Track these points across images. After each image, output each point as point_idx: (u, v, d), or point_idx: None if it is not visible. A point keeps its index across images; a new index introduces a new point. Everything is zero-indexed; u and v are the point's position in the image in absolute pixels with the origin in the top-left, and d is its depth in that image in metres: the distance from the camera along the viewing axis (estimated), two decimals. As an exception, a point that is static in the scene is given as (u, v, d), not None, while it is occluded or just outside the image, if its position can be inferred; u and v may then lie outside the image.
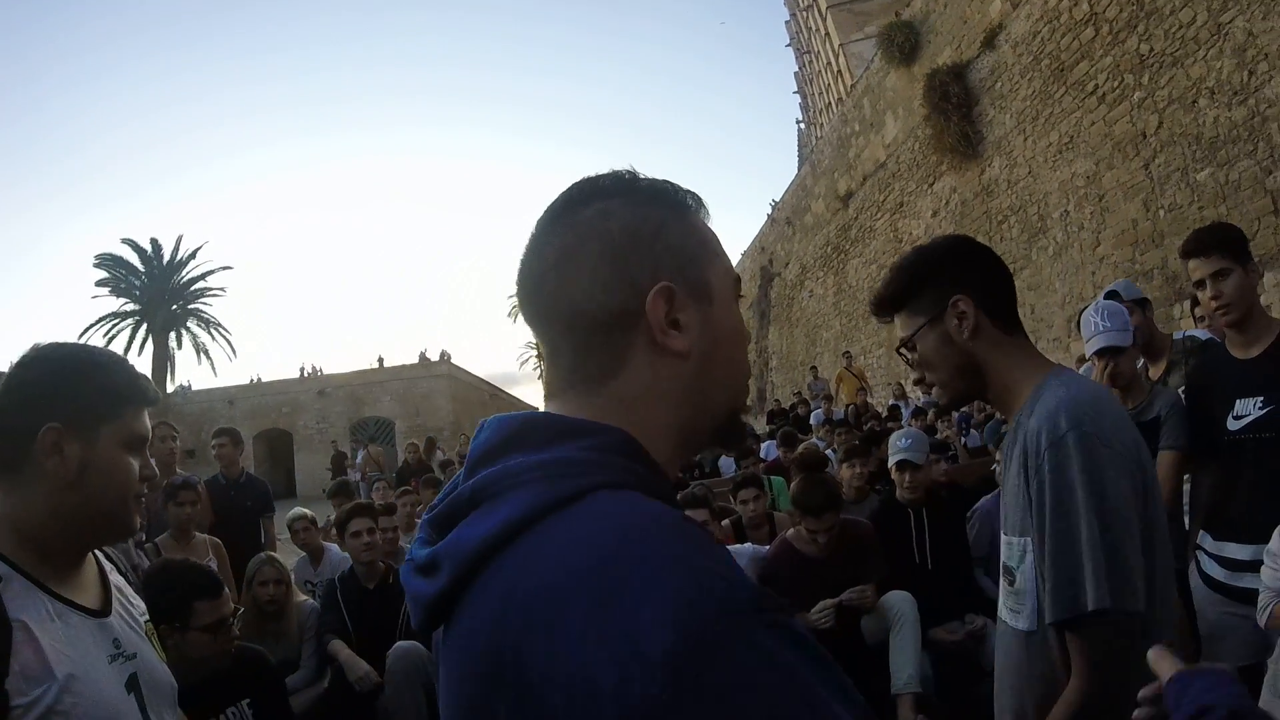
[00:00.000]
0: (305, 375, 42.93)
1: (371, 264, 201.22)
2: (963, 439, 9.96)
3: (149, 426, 1.59)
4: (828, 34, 41.67)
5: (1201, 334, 4.29)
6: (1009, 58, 16.02)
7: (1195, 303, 4.14)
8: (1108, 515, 1.44)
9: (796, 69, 58.89)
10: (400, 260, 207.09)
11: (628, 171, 0.93)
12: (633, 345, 0.86)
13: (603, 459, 0.78)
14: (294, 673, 4.64)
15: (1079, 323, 3.72)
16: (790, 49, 58.23)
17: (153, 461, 1.61)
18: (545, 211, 0.92)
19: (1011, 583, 1.63)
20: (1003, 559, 1.66)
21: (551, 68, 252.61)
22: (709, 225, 0.97)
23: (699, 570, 0.65)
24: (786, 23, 57.81)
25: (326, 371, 43.10)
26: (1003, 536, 1.66)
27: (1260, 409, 2.84)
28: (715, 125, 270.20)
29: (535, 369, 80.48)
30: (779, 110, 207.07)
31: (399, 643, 4.45)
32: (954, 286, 1.69)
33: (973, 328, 1.67)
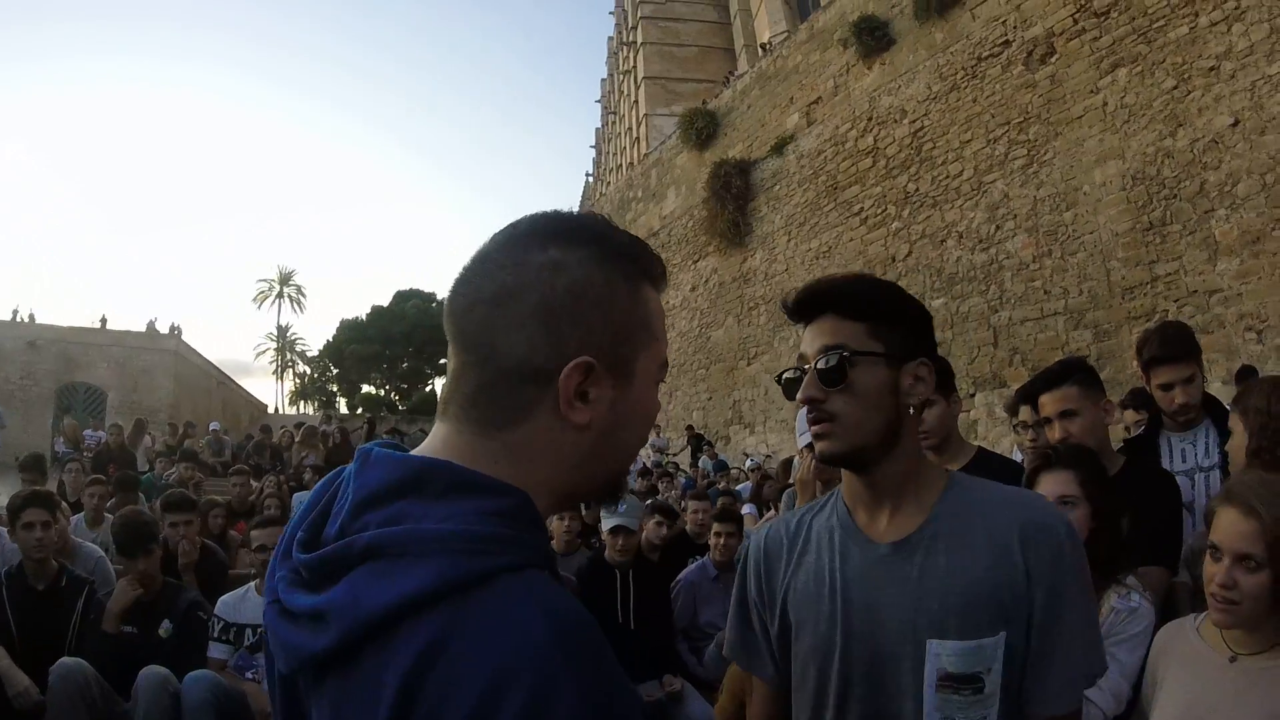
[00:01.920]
0: (16, 320, 37.46)
1: (109, 207, 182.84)
2: (682, 503, 10.06)
3: None
4: (636, 101, 42.86)
5: None
6: (792, 166, 17.17)
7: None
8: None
9: (599, 125, 60.23)
10: (141, 208, 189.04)
11: (600, 220, 0.92)
12: (539, 404, 0.85)
13: (507, 533, 0.77)
14: None
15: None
16: (599, 105, 59.55)
17: None
18: (502, 233, 0.90)
19: (979, 690, 1.34)
20: (949, 669, 1.34)
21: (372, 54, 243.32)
22: (658, 300, 0.95)
23: (602, 686, 0.70)
24: (603, 80, 59.15)
25: (40, 320, 37.83)
26: (946, 644, 1.33)
27: None
28: (511, 154, 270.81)
29: (271, 363, 75.51)
30: (573, 158, 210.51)
31: (63, 659, 3.80)
32: (924, 348, 1.45)
33: (920, 400, 1.43)
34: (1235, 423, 2.66)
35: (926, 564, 1.37)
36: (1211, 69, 9.68)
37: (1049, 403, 2.92)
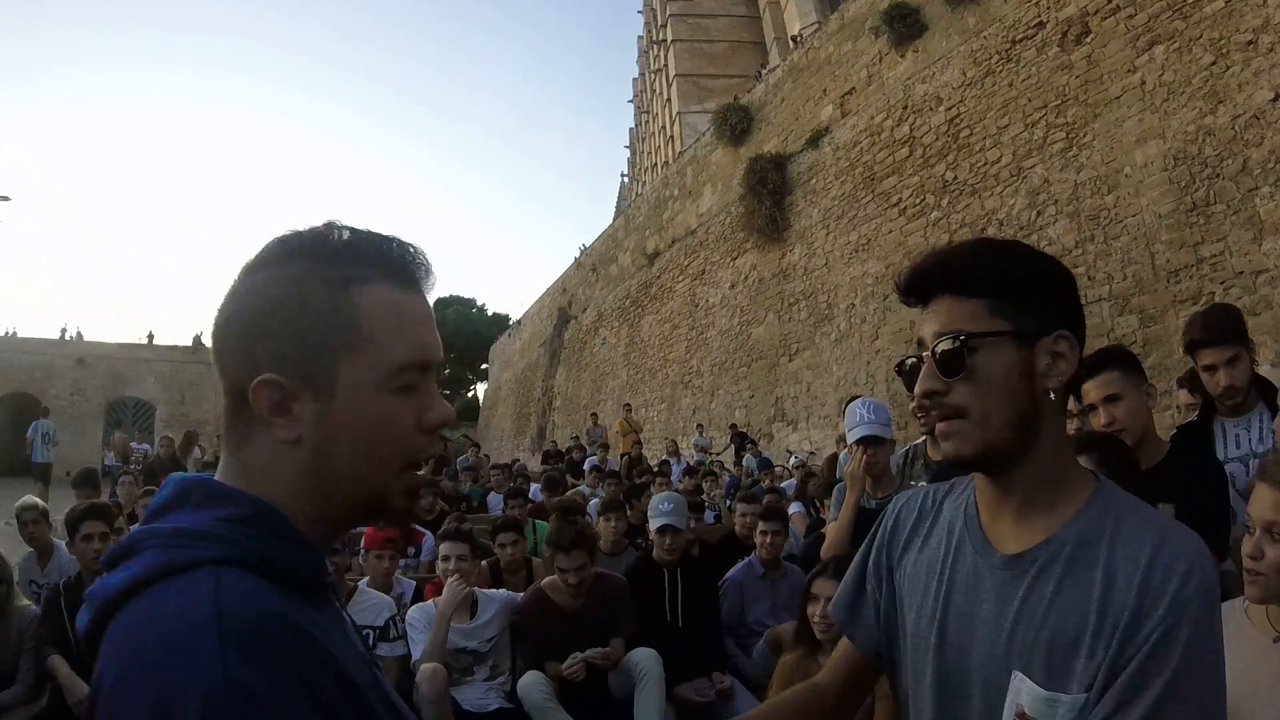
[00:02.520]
0: (65, 338, 38.50)
1: (154, 224, 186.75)
2: (728, 503, 10.10)
3: None
4: (669, 100, 42.91)
5: None
6: (828, 159, 17.07)
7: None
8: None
9: (633, 125, 60.32)
10: (186, 224, 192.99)
11: (320, 231, 0.92)
12: (255, 424, 0.89)
13: (227, 531, 0.83)
14: (8, 686, 4.09)
15: (844, 409, 3.86)
16: (632, 105, 59.63)
17: None
18: (245, 262, 0.93)
19: None
20: (1026, 710, 1.16)
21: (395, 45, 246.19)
22: (391, 299, 0.93)
23: (258, 683, 0.73)
24: (634, 80, 59.23)
25: (88, 338, 38.85)
26: (1028, 682, 1.15)
27: None
28: (547, 157, 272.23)
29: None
30: (608, 159, 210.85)
31: None
32: (1064, 318, 1.23)
33: (1062, 381, 1.22)
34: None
35: (1034, 587, 1.18)
36: (1249, 43, 9.47)
37: (1092, 389, 2.92)
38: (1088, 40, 11.57)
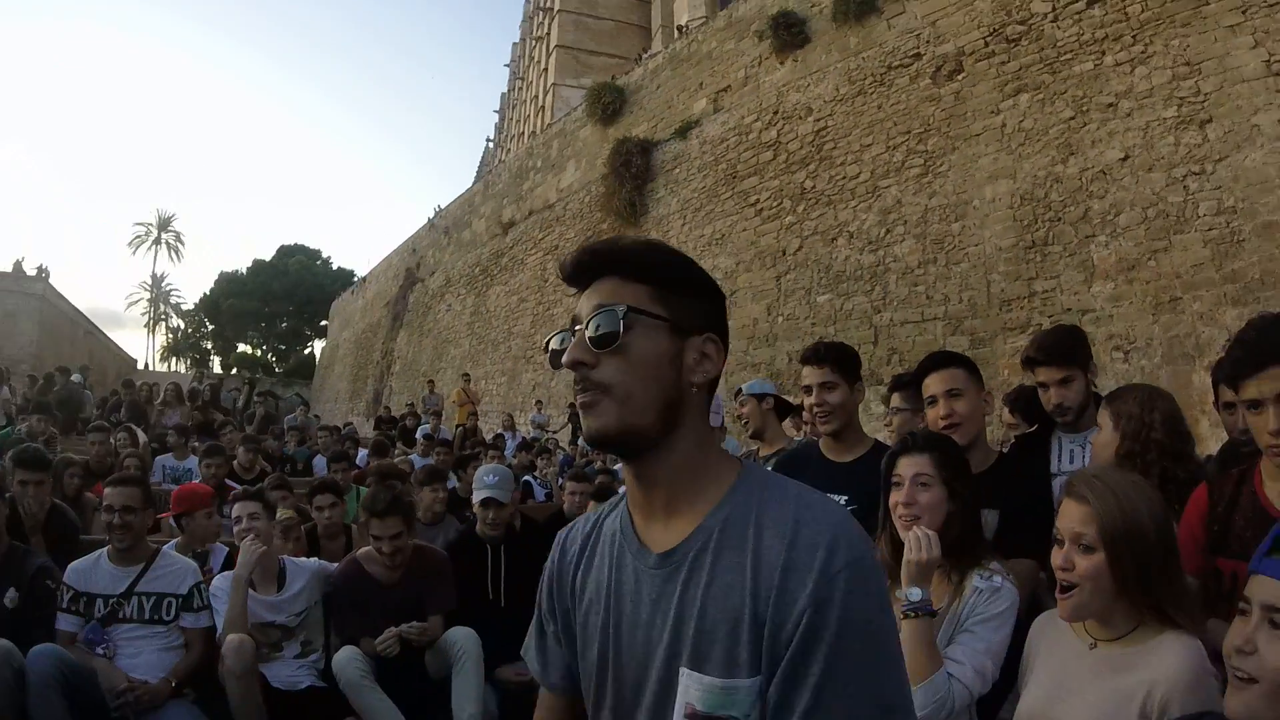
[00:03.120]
0: None
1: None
2: (560, 481, 10.00)
3: None
4: (546, 69, 42.38)
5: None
6: (694, 151, 17.22)
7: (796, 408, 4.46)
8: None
9: (506, 90, 59.25)
10: (7, 123, 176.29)
11: None
12: None
13: None
14: None
15: None
16: (508, 69, 58.54)
17: None
18: None
19: None
20: (696, 705, 1.13)
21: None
22: None
23: None
24: (514, 44, 58.16)
25: None
26: (694, 676, 1.13)
27: (846, 505, 2.92)
28: (412, 113, 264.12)
29: (144, 315, 71.55)
30: (476, 121, 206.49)
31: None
32: (714, 326, 1.26)
33: (707, 379, 1.24)
34: (1105, 420, 2.82)
35: (690, 581, 1.17)
36: (1110, 105, 10.12)
37: (935, 382, 3.04)
38: (959, 78, 12.09)
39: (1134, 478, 2.19)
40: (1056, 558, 2.05)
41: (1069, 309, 9.99)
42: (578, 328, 1.22)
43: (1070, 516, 2.05)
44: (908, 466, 2.46)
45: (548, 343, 1.28)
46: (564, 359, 1.21)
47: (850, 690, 1.05)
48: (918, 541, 2.28)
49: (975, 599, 2.30)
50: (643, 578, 1.23)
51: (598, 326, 1.19)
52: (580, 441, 14.37)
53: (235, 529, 4.21)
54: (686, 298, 1.24)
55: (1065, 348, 3.25)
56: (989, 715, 2.38)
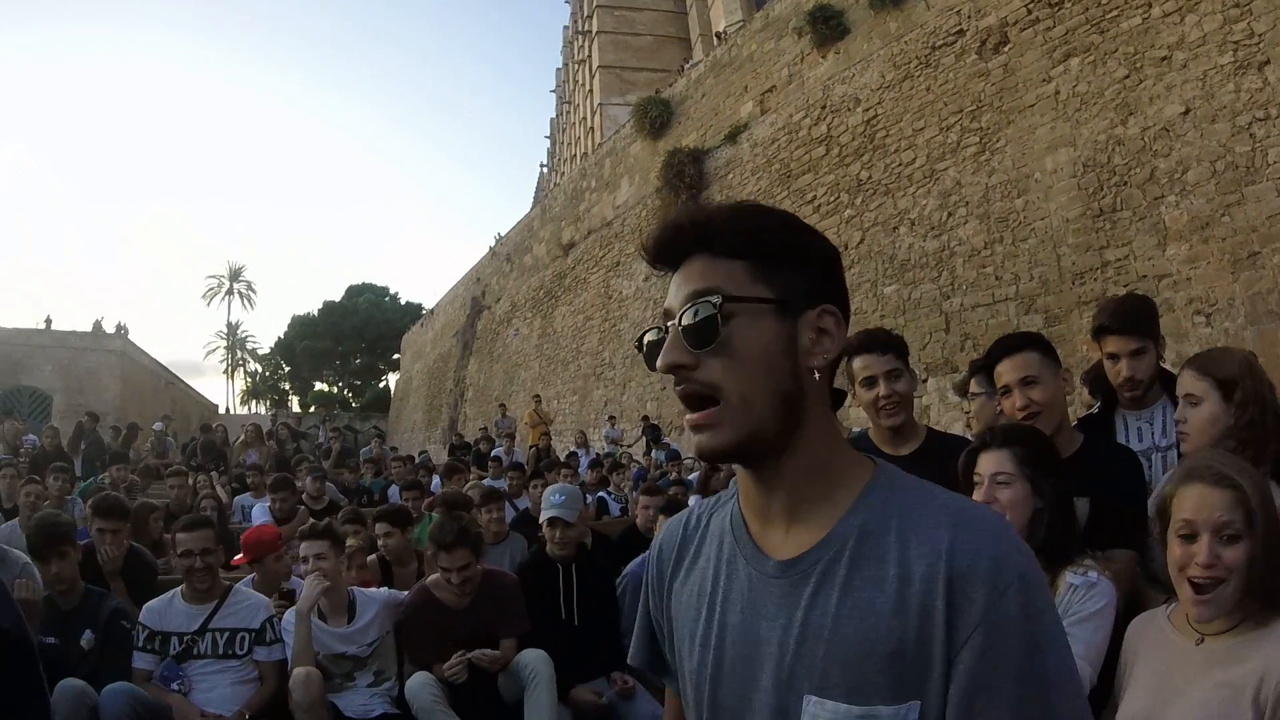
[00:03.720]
0: None
1: (51, 202, 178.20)
2: (634, 494, 9.94)
3: None
4: (591, 91, 42.71)
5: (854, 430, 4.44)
6: (746, 154, 17.12)
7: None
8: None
9: (554, 115, 59.90)
10: (84, 202, 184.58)
11: None
12: None
13: None
14: None
15: None
16: (554, 95, 59.21)
17: None
18: None
19: None
20: None
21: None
22: None
23: None
24: (558, 70, 58.84)
25: None
26: (826, 705, 0.99)
27: None
28: (466, 145, 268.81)
29: (222, 362, 74.08)
30: (528, 149, 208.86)
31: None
32: (829, 293, 1.07)
33: (828, 360, 1.06)
34: (1201, 389, 2.55)
35: (817, 596, 1.01)
36: (1164, 59, 9.73)
37: (1008, 370, 2.78)
38: (1005, 50, 11.76)
39: (1240, 459, 2.01)
40: (1195, 552, 1.85)
41: (1144, 275, 9.58)
42: (670, 323, 1.06)
43: (1208, 504, 1.85)
44: (986, 464, 2.32)
45: (641, 338, 1.12)
46: (659, 362, 1.05)
47: (1028, 707, 0.93)
48: None
49: (1070, 597, 2.15)
50: (758, 587, 1.07)
51: (692, 321, 1.02)
52: (654, 453, 14.33)
53: (302, 568, 4.22)
54: (792, 267, 1.05)
55: (1139, 316, 3.03)
56: None
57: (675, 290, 1.06)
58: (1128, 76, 10.10)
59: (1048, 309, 10.71)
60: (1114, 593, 2.17)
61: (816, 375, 1.05)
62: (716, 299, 1.01)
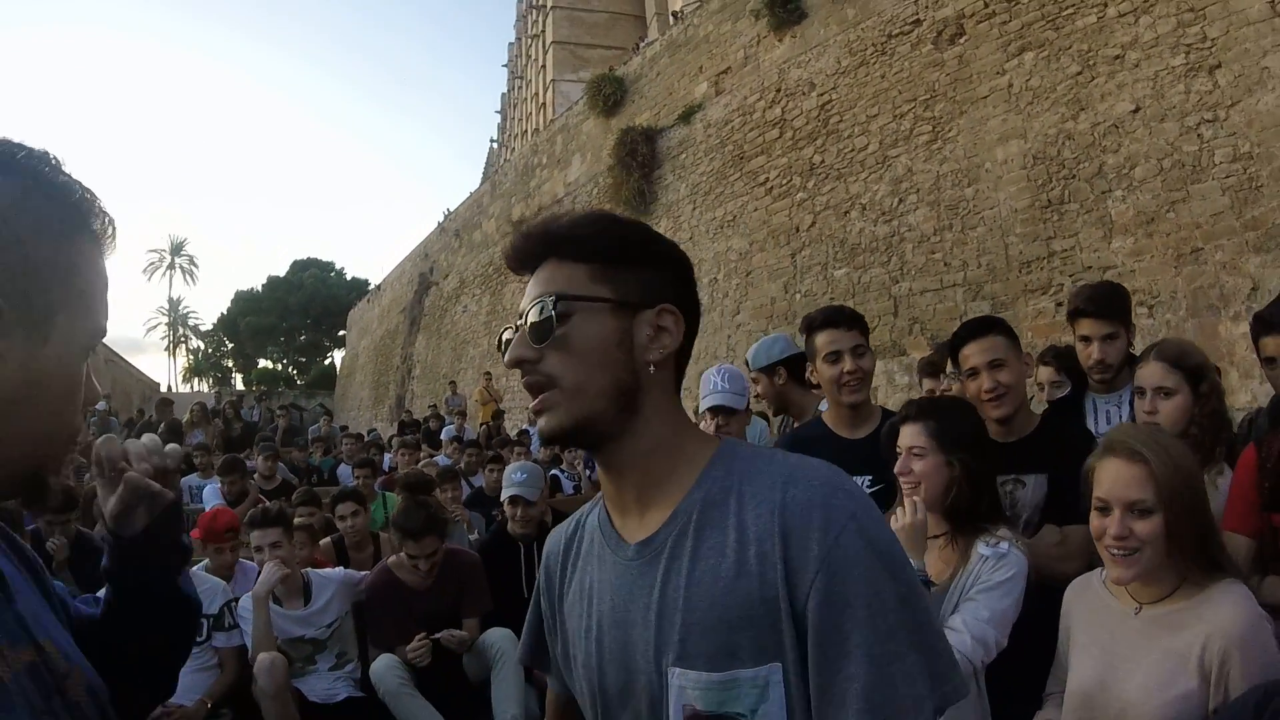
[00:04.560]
0: None
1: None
2: (589, 472, 9.98)
3: None
4: (544, 66, 42.32)
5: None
6: (699, 135, 17.10)
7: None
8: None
9: (505, 90, 59.21)
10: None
11: (43, 155, 0.81)
12: None
13: None
14: None
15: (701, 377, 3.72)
16: (506, 69, 58.50)
17: None
18: None
19: None
20: (696, 705, 1.03)
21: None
22: (101, 265, 0.85)
23: None
24: (510, 44, 58.10)
25: None
26: (689, 674, 1.03)
27: (870, 487, 2.82)
28: (415, 118, 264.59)
29: (163, 339, 72.24)
30: (478, 123, 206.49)
31: None
32: (671, 294, 1.16)
33: (665, 354, 1.14)
34: (1171, 381, 2.65)
35: (670, 571, 1.08)
36: (1117, 57, 9.93)
37: (975, 353, 2.84)
38: (961, 41, 11.90)
39: (1166, 432, 2.11)
40: (1108, 525, 1.94)
41: (1089, 267, 9.83)
42: (519, 323, 1.14)
43: (1120, 479, 1.93)
44: (904, 437, 2.43)
45: (500, 338, 1.19)
46: (506, 359, 1.15)
47: (902, 649, 0.97)
48: (903, 509, 2.26)
49: (980, 566, 2.24)
50: (622, 572, 1.14)
51: (534, 320, 1.11)
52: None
53: (256, 556, 4.16)
54: (633, 270, 1.13)
55: (1114, 301, 3.15)
56: (1034, 690, 2.31)
57: (527, 293, 1.15)
58: (1080, 73, 10.30)
59: (995, 296, 10.93)
60: (1024, 563, 2.25)
61: (653, 369, 1.13)
62: (552, 299, 1.10)
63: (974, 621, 2.14)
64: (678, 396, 1.20)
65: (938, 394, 4.22)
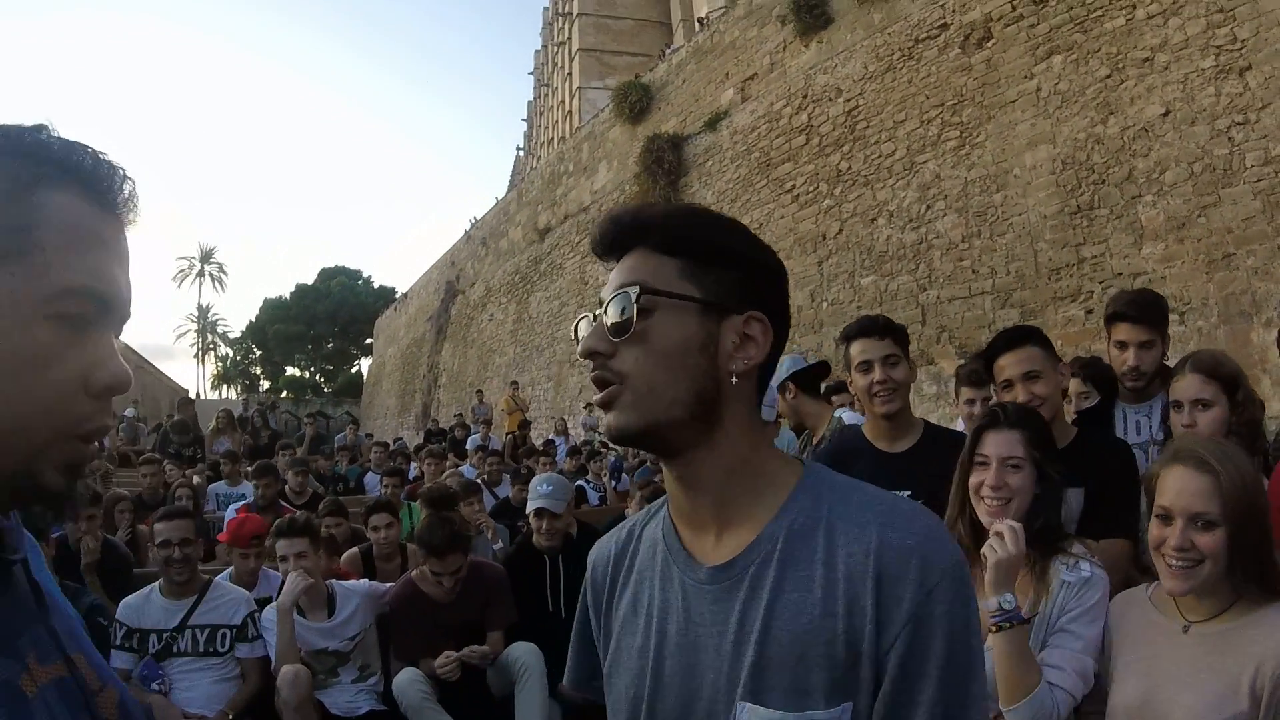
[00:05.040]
0: None
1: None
2: (613, 483, 9.95)
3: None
4: (570, 74, 42.48)
5: (849, 415, 4.43)
6: (725, 142, 17.07)
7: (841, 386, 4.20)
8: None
9: (532, 98, 59.50)
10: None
11: (16, 126, 0.76)
12: None
13: None
14: None
15: None
16: (532, 77, 58.82)
17: None
18: None
19: None
20: None
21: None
22: (86, 215, 0.77)
23: None
24: (537, 51, 58.42)
25: None
26: (759, 711, 0.98)
27: None
28: (442, 126, 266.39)
29: (192, 346, 73.05)
30: (505, 131, 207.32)
31: None
32: (762, 303, 1.07)
33: (749, 366, 1.06)
34: (1208, 392, 2.60)
35: (751, 600, 1.01)
36: (1146, 60, 9.80)
37: (1011, 364, 2.79)
38: (989, 45, 11.80)
39: (1233, 444, 2.02)
40: (1168, 536, 1.86)
41: (1119, 273, 9.68)
42: (597, 312, 1.07)
43: (1185, 490, 1.86)
44: (997, 445, 2.24)
45: (576, 328, 1.12)
46: (579, 350, 1.08)
47: (959, 709, 0.96)
48: (1002, 539, 2.04)
49: (1064, 594, 2.12)
50: (693, 595, 1.06)
51: (613, 311, 1.04)
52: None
53: (281, 567, 4.14)
54: (725, 271, 1.05)
55: (1153, 309, 3.10)
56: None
57: (610, 281, 1.08)
58: (1109, 76, 10.17)
59: (1024, 303, 10.80)
60: (1107, 583, 2.16)
61: (735, 380, 1.05)
62: (635, 291, 1.02)
63: (1072, 656, 2.05)
64: (759, 412, 1.12)
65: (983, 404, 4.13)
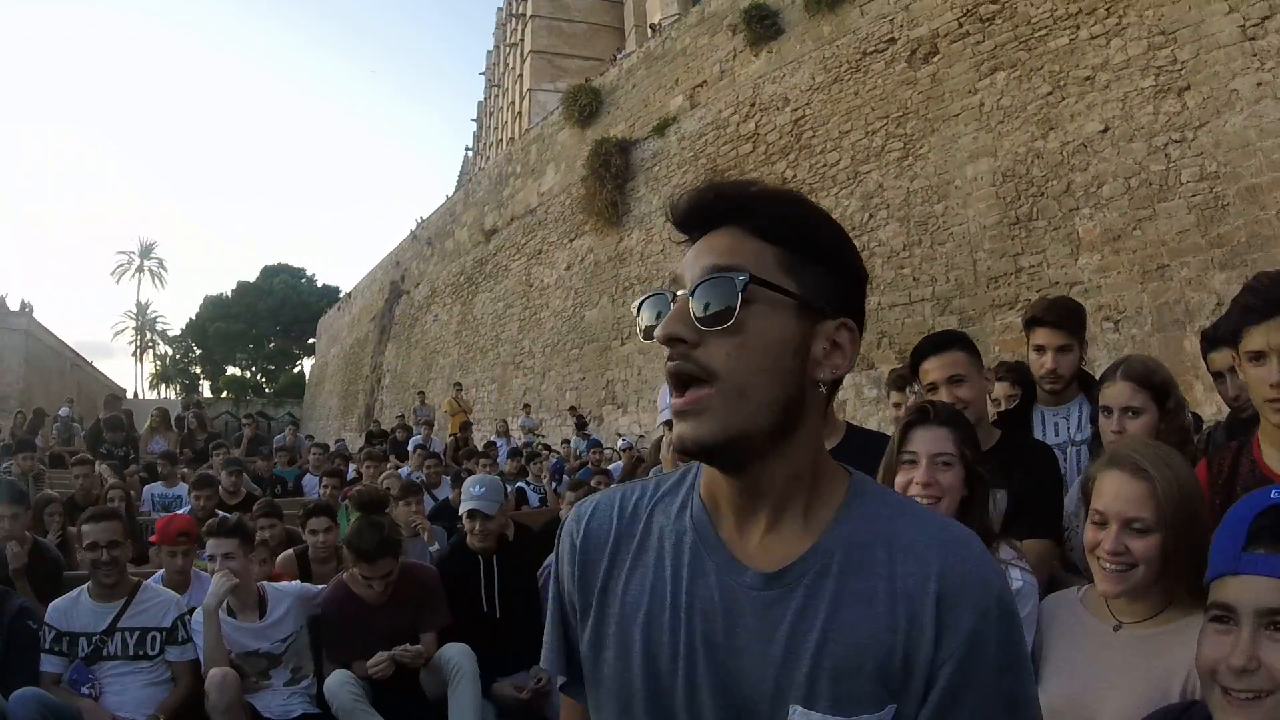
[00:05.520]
0: None
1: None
2: (554, 485, 9.91)
3: None
4: (521, 75, 42.32)
5: None
6: (673, 148, 17.20)
7: None
8: None
9: (482, 98, 59.16)
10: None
11: None
12: None
13: None
14: None
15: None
16: (483, 77, 58.47)
17: None
18: None
19: None
20: None
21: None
22: None
23: None
24: (488, 52, 58.08)
25: None
26: (813, 715, 0.97)
27: None
28: (390, 124, 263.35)
29: (130, 343, 71.14)
30: (454, 131, 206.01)
31: None
32: (847, 302, 1.01)
33: (835, 375, 1.00)
34: (1138, 400, 2.63)
35: (807, 609, 0.98)
36: (1087, 79, 10.10)
37: (936, 368, 2.81)
38: (935, 60, 12.06)
39: (1172, 449, 1.99)
40: (1103, 539, 1.86)
41: (1056, 282, 9.95)
42: (680, 292, 0.96)
43: (1120, 495, 1.85)
44: (926, 441, 2.19)
45: (639, 306, 1.02)
46: (658, 332, 0.96)
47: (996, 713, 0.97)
48: None
49: None
50: (741, 598, 1.01)
51: (708, 295, 0.93)
52: (572, 443, 14.23)
53: (210, 567, 4.05)
54: (824, 271, 0.98)
55: (1071, 315, 3.17)
56: None
57: (694, 259, 0.98)
58: (1051, 93, 10.46)
59: (963, 310, 11.03)
60: (1036, 591, 2.16)
61: (820, 388, 1.00)
62: (743, 278, 0.92)
63: None
64: (827, 421, 1.08)
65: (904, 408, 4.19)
